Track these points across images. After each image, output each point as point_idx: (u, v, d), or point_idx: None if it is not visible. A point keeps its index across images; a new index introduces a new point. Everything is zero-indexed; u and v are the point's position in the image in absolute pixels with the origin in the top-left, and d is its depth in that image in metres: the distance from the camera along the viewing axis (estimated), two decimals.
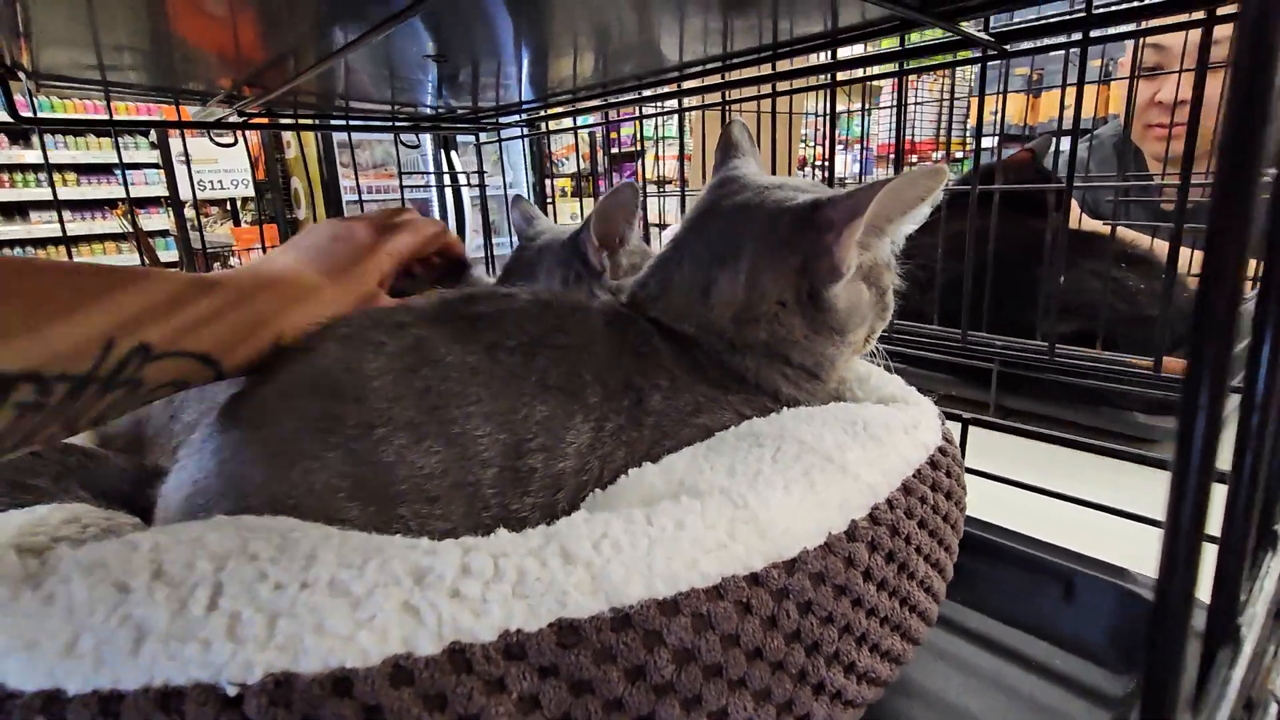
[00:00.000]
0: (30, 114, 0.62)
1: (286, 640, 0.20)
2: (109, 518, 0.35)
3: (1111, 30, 0.36)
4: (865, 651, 0.24)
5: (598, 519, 0.23)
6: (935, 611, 0.30)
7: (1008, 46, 0.38)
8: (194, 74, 0.62)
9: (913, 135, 2.38)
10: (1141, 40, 0.84)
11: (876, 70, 0.50)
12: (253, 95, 0.67)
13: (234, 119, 0.74)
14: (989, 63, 0.44)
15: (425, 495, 0.27)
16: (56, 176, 4.01)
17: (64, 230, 0.70)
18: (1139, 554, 0.42)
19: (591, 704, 0.20)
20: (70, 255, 0.65)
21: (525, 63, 0.59)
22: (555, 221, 0.60)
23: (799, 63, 0.53)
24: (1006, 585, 0.42)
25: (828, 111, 0.51)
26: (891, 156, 2.25)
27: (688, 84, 0.63)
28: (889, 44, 0.54)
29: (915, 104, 2.02)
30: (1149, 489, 0.48)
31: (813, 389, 0.36)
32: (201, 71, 0.61)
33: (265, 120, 0.80)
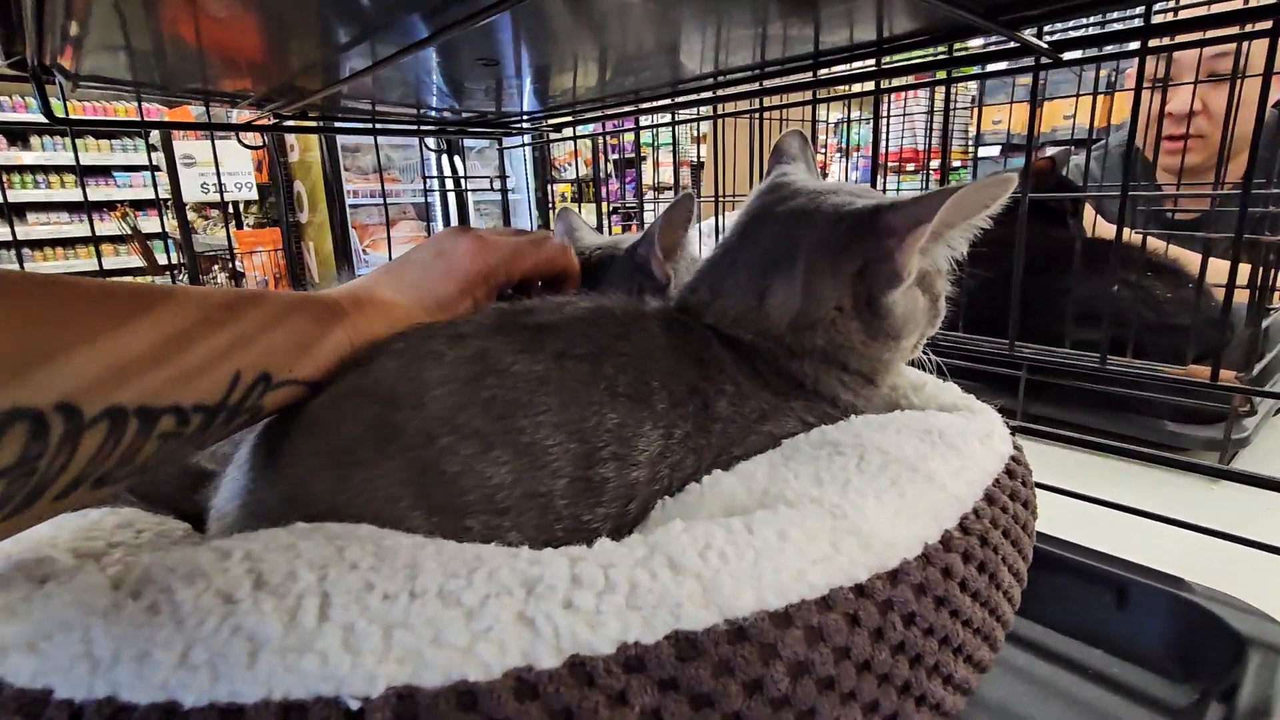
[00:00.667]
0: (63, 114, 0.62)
1: (405, 653, 0.20)
2: (160, 523, 0.35)
3: (1168, 40, 0.37)
4: (961, 662, 0.24)
5: (698, 528, 0.23)
6: (1012, 619, 0.30)
7: (1063, 55, 0.39)
8: (227, 79, 0.62)
9: (916, 143, 2.39)
10: (1158, 54, 0.85)
11: (922, 79, 0.50)
12: (283, 101, 0.67)
13: (263, 121, 0.74)
14: (1042, 71, 0.44)
15: (495, 506, 0.26)
16: (53, 178, 4.00)
17: (93, 230, 0.70)
18: (1183, 564, 0.43)
19: (711, 718, 0.20)
20: (99, 261, 0.64)
21: (554, 73, 0.60)
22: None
23: (823, 72, 0.54)
24: (1060, 593, 0.43)
25: (869, 118, 0.52)
26: (894, 165, 2.26)
27: (720, 91, 0.63)
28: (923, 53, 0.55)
29: (916, 114, 2.04)
30: (1184, 497, 0.48)
31: (869, 395, 0.36)
32: (234, 77, 0.61)
33: (291, 124, 0.80)
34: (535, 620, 0.20)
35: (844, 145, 2.11)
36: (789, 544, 0.22)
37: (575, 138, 0.90)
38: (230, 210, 3.15)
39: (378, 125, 0.85)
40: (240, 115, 0.76)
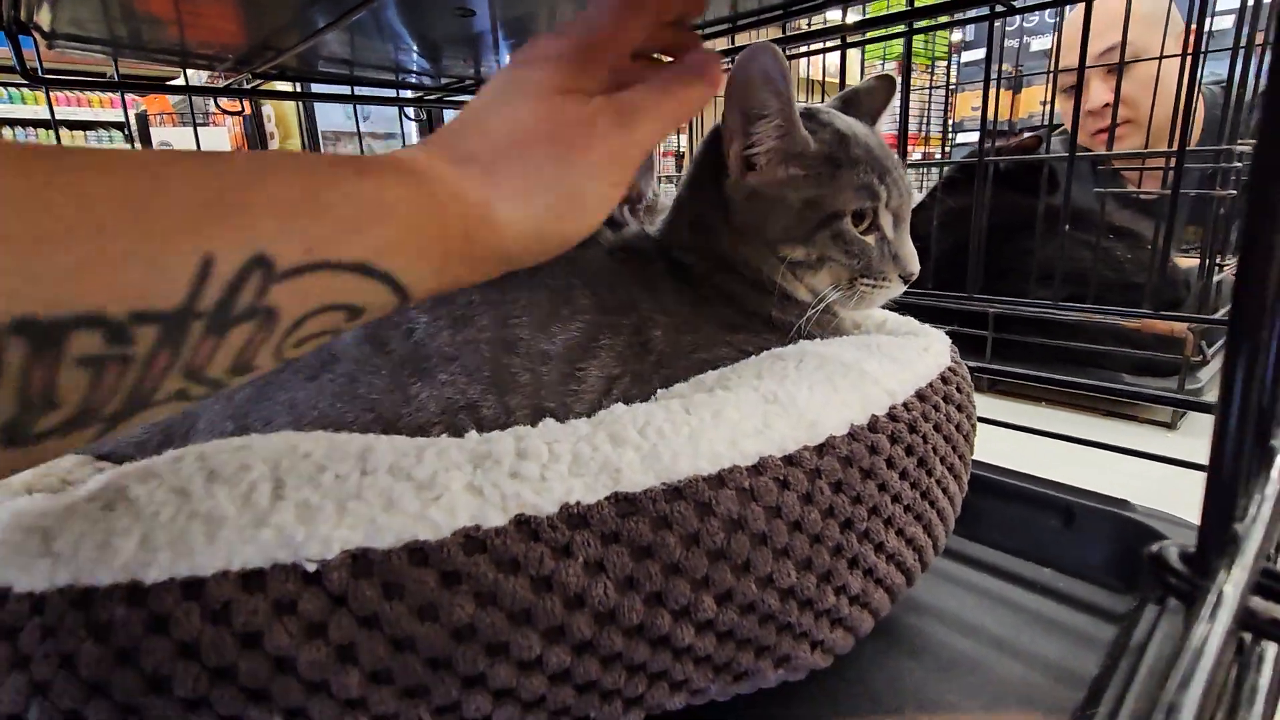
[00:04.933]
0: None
1: (358, 520, 0.21)
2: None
3: None
4: (892, 534, 0.26)
5: (639, 409, 0.24)
6: (951, 516, 0.32)
7: (1015, 3, 0.40)
8: (203, 37, 0.62)
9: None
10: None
11: (885, 30, 0.51)
12: (260, 61, 0.67)
13: (242, 85, 0.74)
14: (998, 19, 0.45)
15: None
16: None
17: None
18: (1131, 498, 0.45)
19: (652, 567, 0.21)
20: None
21: (532, 26, 0.60)
22: None
23: (798, 26, 0.55)
24: (1011, 519, 0.44)
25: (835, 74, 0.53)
26: None
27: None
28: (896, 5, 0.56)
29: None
30: (1140, 444, 0.51)
31: (785, 307, 0.35)
32: (210, 34, 0.61)
33: (269, 88, 0.80)
34: (483, 488, 0.21)
35: None
36: (723, 420, 0.24)
37: None
38: None
39: (355, 94, 0.85)
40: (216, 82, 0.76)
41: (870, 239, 0.33)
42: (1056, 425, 0.69)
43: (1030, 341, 0.81)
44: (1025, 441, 0.53)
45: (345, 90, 0.84)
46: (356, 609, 0.20)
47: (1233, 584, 0.12)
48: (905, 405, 0.28)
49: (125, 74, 0.72)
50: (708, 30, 0.59)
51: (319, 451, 0.23)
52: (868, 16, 0.51)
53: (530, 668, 0.20)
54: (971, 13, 0.46)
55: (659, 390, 0.30)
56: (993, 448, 0.51)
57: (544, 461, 0.22)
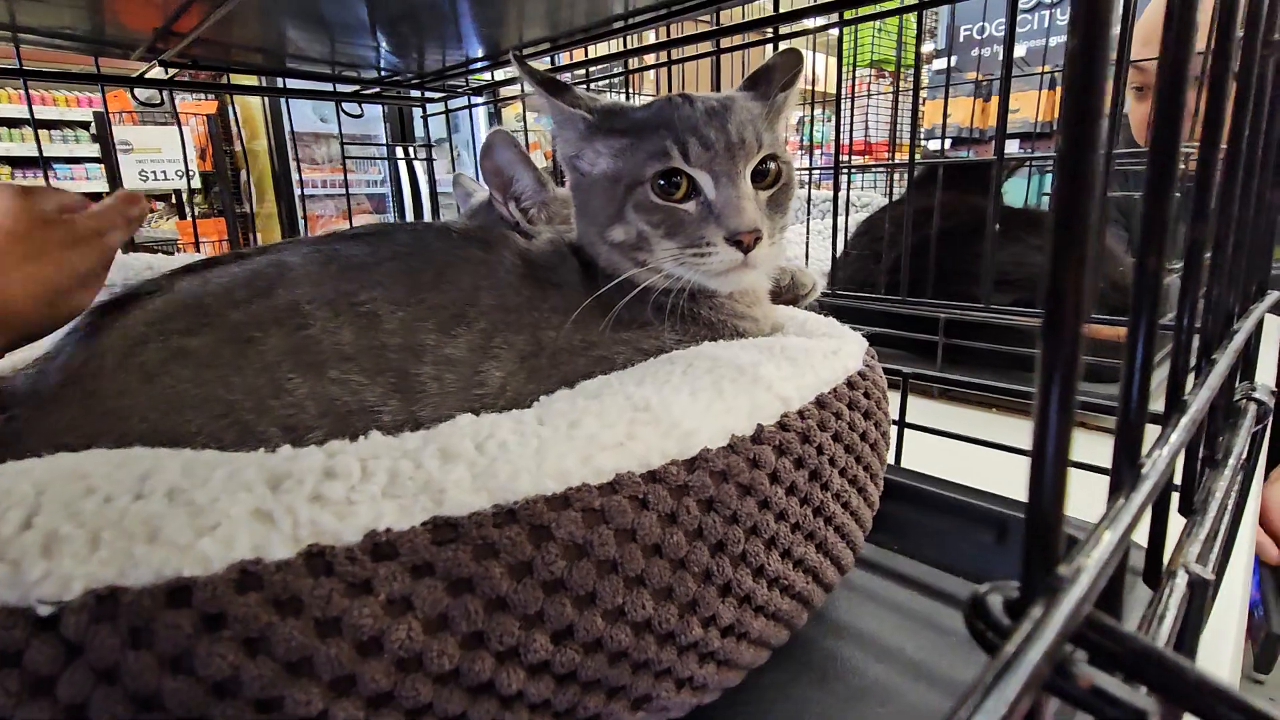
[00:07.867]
0: None
1: (112, 553, 0.17)
2: None
3: None
4: (775, 556, 0.23)
5: (484, 420, 0.22)
6: (858, 533, 0.29)
7: None
8: (113, 17, 0.58)
9: (867, 136, 2.45)
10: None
11: (821, 21, 0.49)
12: (173, 46, 0.63)
13: (157, 74, 0.70)
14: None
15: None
16: None
17: None
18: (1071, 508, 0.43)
19: (472, 604, 0.18)
20: None
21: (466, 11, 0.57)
22: None
23: (739, 17, 0.53)
24: (943, 533, 0.42)
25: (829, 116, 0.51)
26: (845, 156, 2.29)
27: (631, 41, 0.61)
28: None
29: (868, 96, 2.09)
30: (1090, 453, 0.49)
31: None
32: (121, 12, 0.57)
33: (191, 79, 0.76)
34: (273, 513, 0.18)
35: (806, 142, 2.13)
36: (579, 431, 0.21)
37: (498, 100, 0.87)
38: (173, 200, 3.02)
39: (289, 84, 0.81)
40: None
41: (689, 205, 0.31)
42: (1007, 432, 0.67)
43: (980, 347, 0.79)
44: (972, 449, 0.51)
45: (310, 86, 0.81)
46: (94, 661, 0.16)
47: (1038, 640, 0.10)
48: (800, 413, 0.25)
49: (88, 70, 0.69)
50: (648, 16, 0.57)
51: (99, 472, 0.20)
52: (797, 8, 0.49)
53: None
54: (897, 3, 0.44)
55: (561, 390, 0.28)
56: (938, 456, 0.49)
57: (354, 482, 0.19)
